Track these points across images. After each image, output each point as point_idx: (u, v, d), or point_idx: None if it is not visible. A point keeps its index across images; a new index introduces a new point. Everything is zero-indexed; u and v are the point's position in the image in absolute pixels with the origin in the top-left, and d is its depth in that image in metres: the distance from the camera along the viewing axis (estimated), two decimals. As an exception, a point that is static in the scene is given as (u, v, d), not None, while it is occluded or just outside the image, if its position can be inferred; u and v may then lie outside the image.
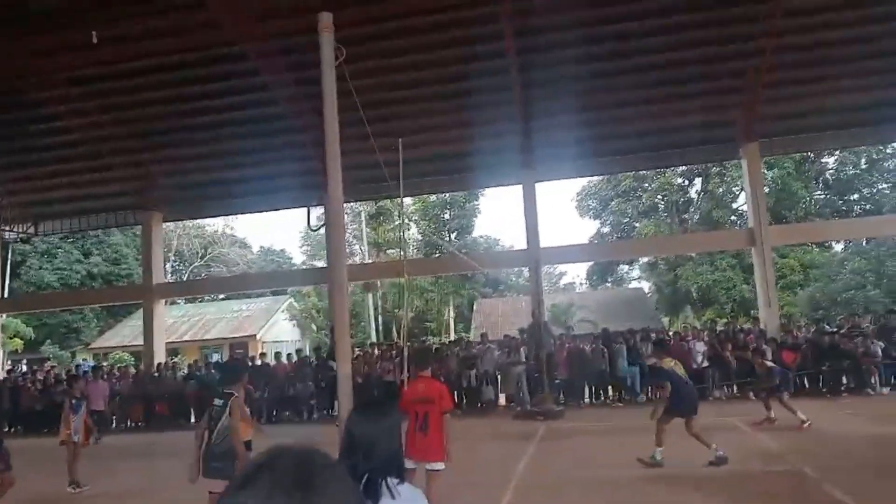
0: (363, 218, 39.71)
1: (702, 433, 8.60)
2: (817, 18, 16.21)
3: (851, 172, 34.20)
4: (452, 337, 33.63)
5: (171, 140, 20.39)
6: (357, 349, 20.50)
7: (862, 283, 27.07)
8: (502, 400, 17.28)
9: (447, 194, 37.33)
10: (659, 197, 36.77)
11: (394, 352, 17.49)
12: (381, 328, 38.33)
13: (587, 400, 16.91)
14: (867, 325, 16.82)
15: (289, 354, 19.71)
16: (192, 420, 18.63)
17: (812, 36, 16.59)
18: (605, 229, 39.09)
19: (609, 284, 42.60)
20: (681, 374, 8.89)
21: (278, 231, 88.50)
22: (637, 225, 36.60)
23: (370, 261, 36.46)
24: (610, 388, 17.08)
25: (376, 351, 18.92)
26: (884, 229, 24.83)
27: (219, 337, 34.26)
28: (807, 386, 15.82)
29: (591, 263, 40.10)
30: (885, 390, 14.96)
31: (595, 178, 36.74)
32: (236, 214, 32.80)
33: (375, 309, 37.66)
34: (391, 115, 17.66)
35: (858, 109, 18.12)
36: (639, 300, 36.05)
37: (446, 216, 41.12)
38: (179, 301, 39.07)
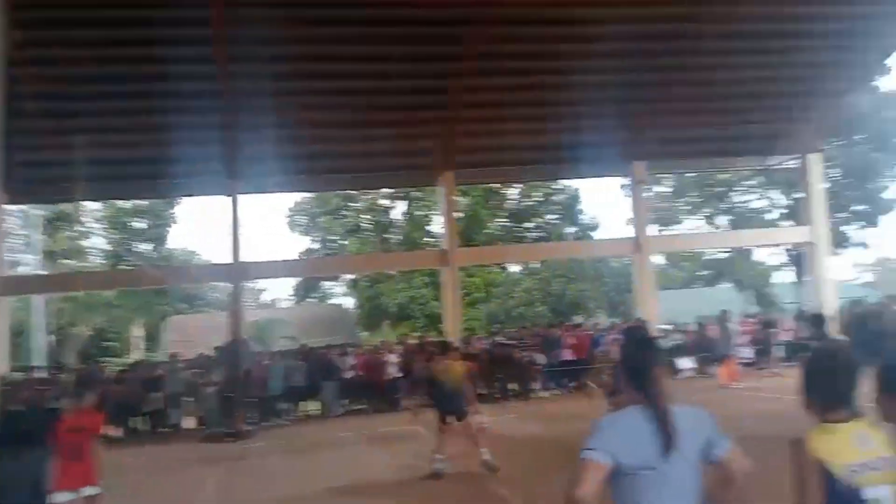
0: (38, 223, 34.48)
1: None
2: (506, 64, 18.10)
3: (529, 203, 38.98)
4: (139, 356, 30.88)
5: None
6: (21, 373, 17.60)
7: (531, 300, 30.96)
8: (192, 423, 16.16)
9: (142, 201, 34.27)
10: (365, 216, 38.00)
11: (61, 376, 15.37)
12: (53, 348, 33.48)
13: (285, 417, 16.61)
14: (532, 337, 19.14)
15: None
16: None
17: (501, 80, 18.47)
18: (315, 246, 39.22)
19: (313, 300, 42.74)
20: None
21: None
22: (344, 243, 37.34)
23: (41, 272, 31.74)
24: (308, 403, 17.01)
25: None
26: (552, 253, 28.94)
27: None
28: (484, 393, 17.40)
29: (298, 279, 39.88)
30: (546, 394, 17.12)
31: (305, 194, 36.76)
32: None
33: (46, 326, 32.82)
34: (77, 110, 15.69)
35: (537, 149, 20.66)
36: (341, 316, 36.75)
37: (139, 225, 37.65)
38: None
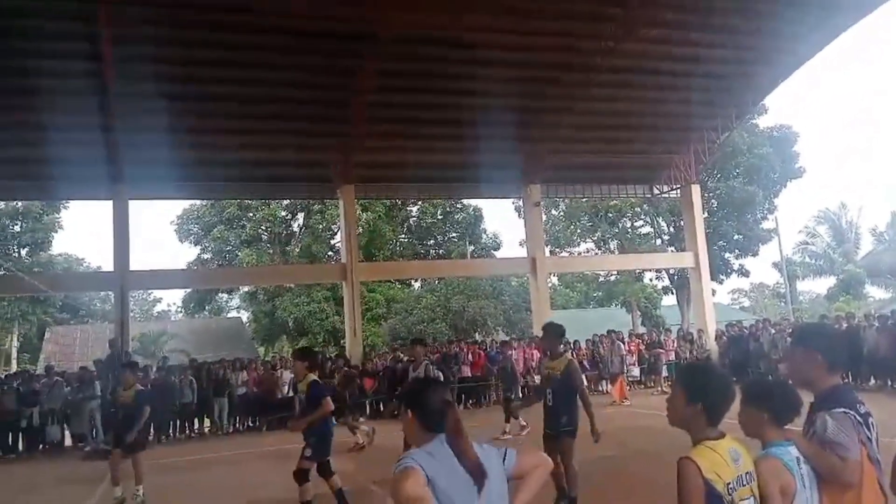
0: None
1: None
2: (408, 83, 18.33)
3: (430, 221, 39.37)
4: (14, 368, 28.79)
5: None
6: None
7: (432, 316, 31.20)
8: (70, 440, 15.22)
9: (19, 203, 32.06)
10: (263, 227, 37.08)
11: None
12: None
13: (174, 434, 15.94)
14: (433, 353, 19.27)
15: None
16: None
17: (402, 97, 18.70)
18: (207, 255, 37.77)
19: (207, 313, 41.17)
20: None
21: None
22: (239, 254, 36.26)
23: None
24: (197, 420, 16.41)
25: None
26: (452, 271, 29.38)
27: None
28: (382, 409, 17.38)
29: (188, 291, 38.29)
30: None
31: (197, 201, 35.48)
32: None
33: None
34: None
35: (437, 167, 21.03)
36: (236, 330, 35.65)
37: (16, 228, 35.13)
38: None
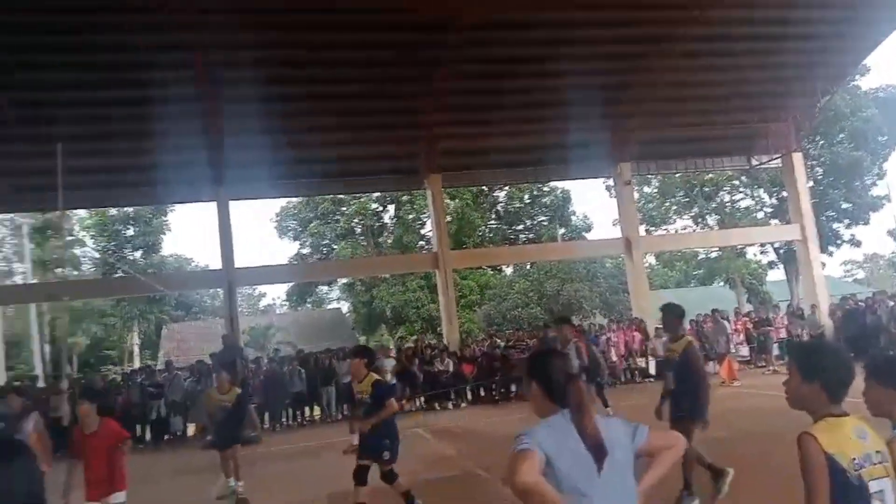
0: (25, 231, 34.36)
1: None
2: (488, 68, 18.29)
3: (518, 206, 39.20)
4: (136, 365, 30.81)
5: None
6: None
7: (526, 301, 31.13)
8: (191, 430, 16.24)
9: (130, 208, 34.24)
10: (356, 220, 38.07)
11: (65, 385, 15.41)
12: (48, 358, 33.39)
13: (286, 422, 16.70)
14: (530, 339, 19.27)
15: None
16: None
17: (483, 83, 18.64)
18: (305, 250, 39.23)
19: (309, 306, 42.75)
20: None
21: None
22: (336, 247, 37.41)
23: (34, 280, 31.62)
24: (307, 409, 17.11)
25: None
26: (543, 255, 29.16)
27: None
28: (482, 395, 17.55)
29: (290, 285, 39.87)
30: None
31: (294, 199, 36.79)
32: None
33: (41, 336, 32.73)
34: (58, 117, 15.70)
35: (523, 151, 20.88)
36: (337, 321, 36.80)
37: (129, 232, 37.57)
38: None
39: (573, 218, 39.58)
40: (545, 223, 39.31)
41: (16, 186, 17.09)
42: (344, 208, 37.82)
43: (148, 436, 16.02)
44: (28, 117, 16.16)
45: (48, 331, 33.68)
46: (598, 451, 2.27)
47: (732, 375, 16.28)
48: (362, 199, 36.54)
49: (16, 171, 16.80)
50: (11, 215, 30.03)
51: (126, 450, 5.69)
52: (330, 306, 43.08)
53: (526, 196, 38.96)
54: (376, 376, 6.73)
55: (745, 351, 19.33)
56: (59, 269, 34.00)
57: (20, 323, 30.06)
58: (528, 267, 34.79)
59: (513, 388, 17.43)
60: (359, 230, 38.84)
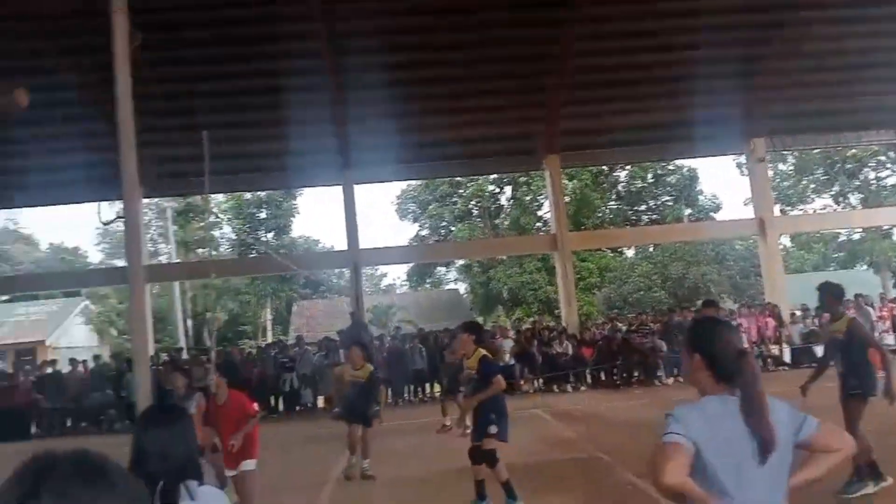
0: (169, 215, 37.23)
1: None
2: (611, 44, 17.77)
3: (640, 185, 37.97)
4: (269, 340, 32.67)
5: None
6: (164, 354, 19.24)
7: (649, 285, 30.21)
8: (321, 402, 17.09)
9: (263, 192, 36.18)
10: (473, 202, 38.32)
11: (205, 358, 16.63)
12: (190, 332, 36.16)
13: (408, 398, 17.22)
14: (653, 323, 18.72)
15: (84, 361, 17.95)
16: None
17: (605, 59, 18.15)
18: (424, 232, 40.00)
19: (428, 286, 43.62)
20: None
21: (70, 228, 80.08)
22: (453, 229, 37.88)
23: (178, 260, 34.24)
24: (427, 385, 17.55)
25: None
26: (667, 237, 28.06)
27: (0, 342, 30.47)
28: (602, 378, 17.28)
29: (410, 265, 40.83)
30: (670, 381, 16.73)
31: (414, 182, 37.51)
32: (20, 208, 29.24)
33: (184, 311, 35.47)
34: (201, 107, 16.76)
35: (645, 129, 20.14)
36: (455, 301, 37.30)
37: (262, 215, 39.79)
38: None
39: (700, 198, 37.87)
40: (670, 203, 37.87)
41: (160, 173, 18.45)
42: (461, 190, 38.17)
43: (281, 406, 17.03)
44: (173, 109, 17.42)
45: (190, 307, 36.48)
46: (768, 442, 2.06)
47: (883, 365, 15.03)
48: (479, 181, 36.70)
49: (161, 158, 18.16)
50: (157, 200, 32.47)
51: (254, 422, 6.00)
52: (448, 287, 43.75)
53: (649, 175, 37.66)
54: (483, 352, 6.65)
55: (890, 339, 17.80)
56: (201, 250, 36.69)
57: (165, 299, 32.68)
58: (651, 249, 33.68)
59: (635, 373, 17.03)
60: (476, 212, 39.10)
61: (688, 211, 36.68)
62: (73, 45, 15.78)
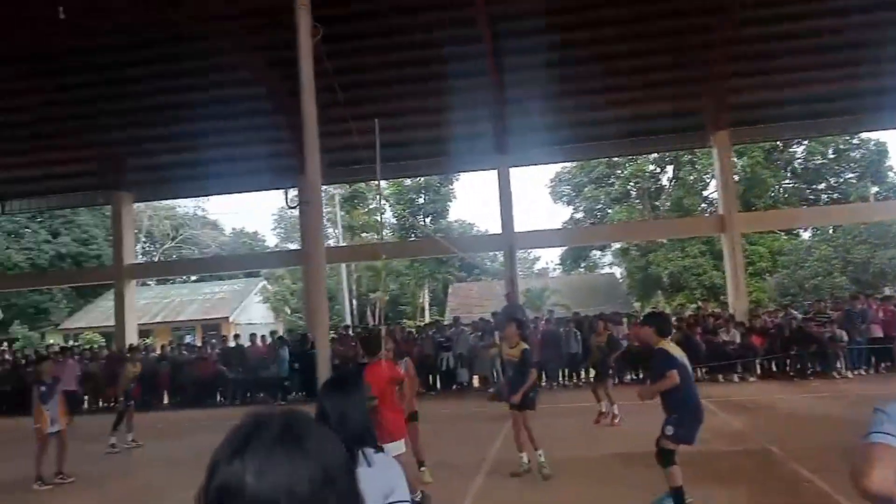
0: (337, 201, 39.52)
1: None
2: (781, 10, 16.41)
3: (819, 162, 34.85)
4: (427, 320, 33.77)
5: (139, 120, 20.06)
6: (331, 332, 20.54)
7: (828, 269, 27.74)
8: (476, 382, 17.46)
9: (421, 178, 37.29)
10: (631, 184, 37.11)
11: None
12: (355, 311, 38.32)
13: (561, 381, 17.14)
14: (833, 311, 17.21)
15: (262, 336, 19.63)
16: (165, 401, 18.56)
17: (777, 27, 16.83)
18: (579, 215, 39.36)
19: (582, 270, 42.97)
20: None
21: (250, 213, 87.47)
22: (609, 211, 36.94)
23: (345, 244, 36.30)
24: (583, 370, 17.34)
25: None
26: (850, 217, 25.47)
27: (190, 319, 34.05)
28: (775, 369, 16.17)
29: (564, 249, 40.41)
30: (850, 374, 15.34)
31: (568, 164, 36.97)
32: (208, 196, 32.43)
33: (350, 292, 37.63)
34: (366, 97, 17.54)
35: (824, 100, 18.43)
36: (611, 285, 36.47)
37: (421, 200, 41.09)
38: (150, 283, 38.62)
39: (890, 174, 34.08)
40: (853, 181, 34.45)
41: (331, 161, 19.61)
42: (619, 171, 37.09)
43: (438, 384, 17.60)
44: (341, 101, 18.39)
45: (355, 287, 38.59)
46: None
47: None
48: (639, 162, 35.44)
49: (330, 148, 19.25)
50: (325, 187, 34.55)
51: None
52: (603, 271, 42.82)
53: (830, 150, 34.44)
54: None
55: None
56: (365, 234, 38.61)
57: (333, 280, 34.81)
58: (831, 231, 30.83)
59: (811, 364, 15.79)
60: (634, 193, 37.87)
61: (874, 189, 33.17)
62: (256, 42, 17.11)
